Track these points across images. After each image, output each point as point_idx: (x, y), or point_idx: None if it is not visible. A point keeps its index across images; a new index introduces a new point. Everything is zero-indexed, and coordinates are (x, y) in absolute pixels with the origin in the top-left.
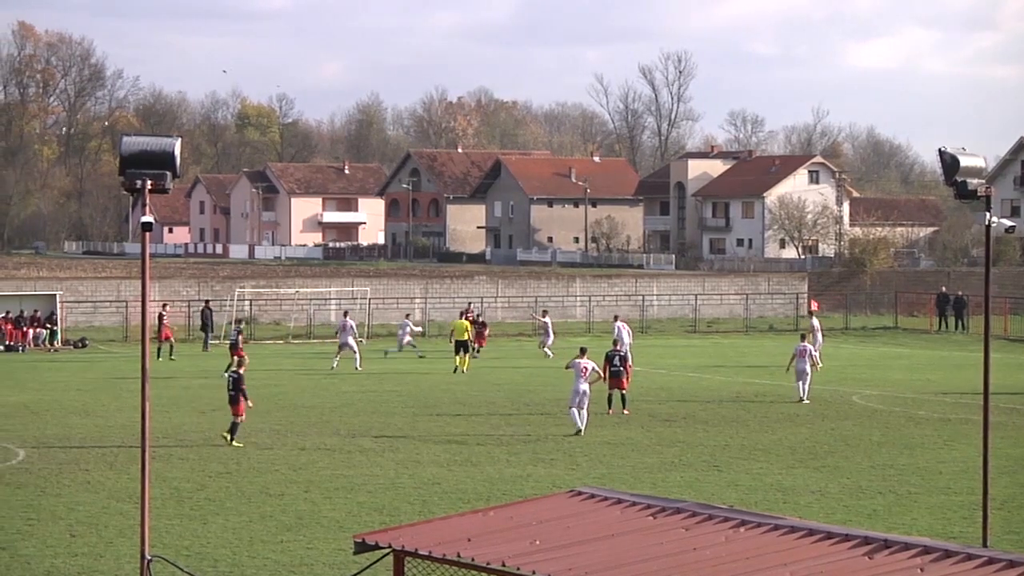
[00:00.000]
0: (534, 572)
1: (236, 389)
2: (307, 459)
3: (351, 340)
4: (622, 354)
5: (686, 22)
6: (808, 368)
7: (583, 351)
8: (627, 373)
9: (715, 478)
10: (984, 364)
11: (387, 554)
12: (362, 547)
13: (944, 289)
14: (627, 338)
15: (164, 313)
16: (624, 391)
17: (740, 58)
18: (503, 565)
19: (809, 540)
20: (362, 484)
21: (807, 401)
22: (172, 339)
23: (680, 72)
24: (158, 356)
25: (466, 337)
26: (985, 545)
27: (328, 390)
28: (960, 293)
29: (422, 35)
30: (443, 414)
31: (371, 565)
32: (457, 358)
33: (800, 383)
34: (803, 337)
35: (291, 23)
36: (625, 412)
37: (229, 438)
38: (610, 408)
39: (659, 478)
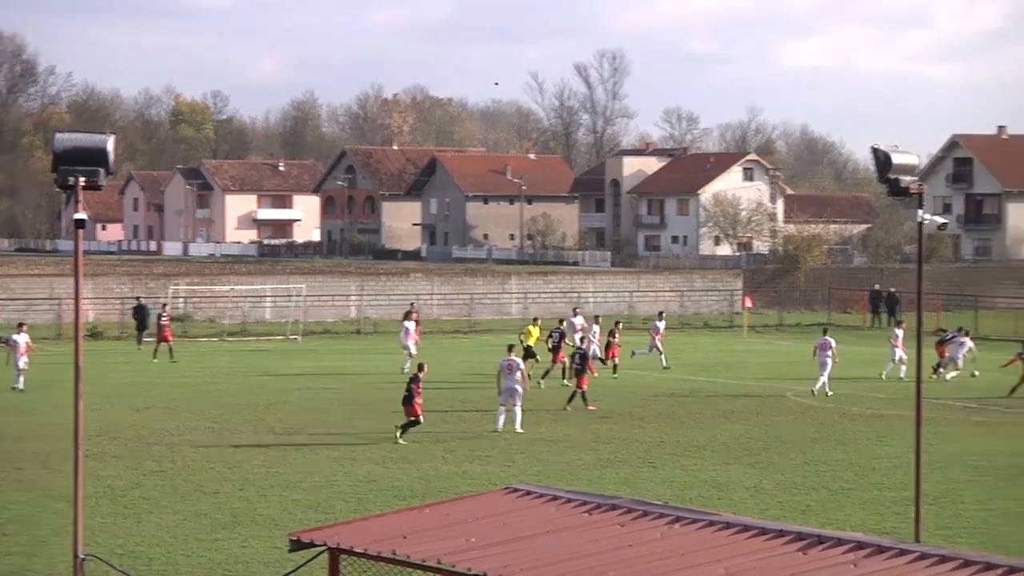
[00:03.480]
0: (469, 569)
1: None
2: (242, 457)
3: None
4: (583, 351)
5: (622, 20)
6: (829, 360)
7: (511, 348)
8: (590, 370)
9: (650, 475)
10: (916, 361)
11: (322, 552)
12: (297, 545)
13: (877, 286)
14: (576, 331)
15: (164, 314)
16: (583, 390)
17: (675, 56)
18: (439, 562)
19: (743, 536)
20: (297, 482)
21: (829, 394)
22: (171, 341)
23: (615, 70)
24: (154, 357)
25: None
26: (917, 540)
27: (264, 388)
28: (893, 290)
29: (358, 32)
30: (379, 411)
31: (306, 563)
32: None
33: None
34: (825, 331)
35: (227, 20)
36: (588, 407)
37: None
38: (569, 404)
39: (595, 475)
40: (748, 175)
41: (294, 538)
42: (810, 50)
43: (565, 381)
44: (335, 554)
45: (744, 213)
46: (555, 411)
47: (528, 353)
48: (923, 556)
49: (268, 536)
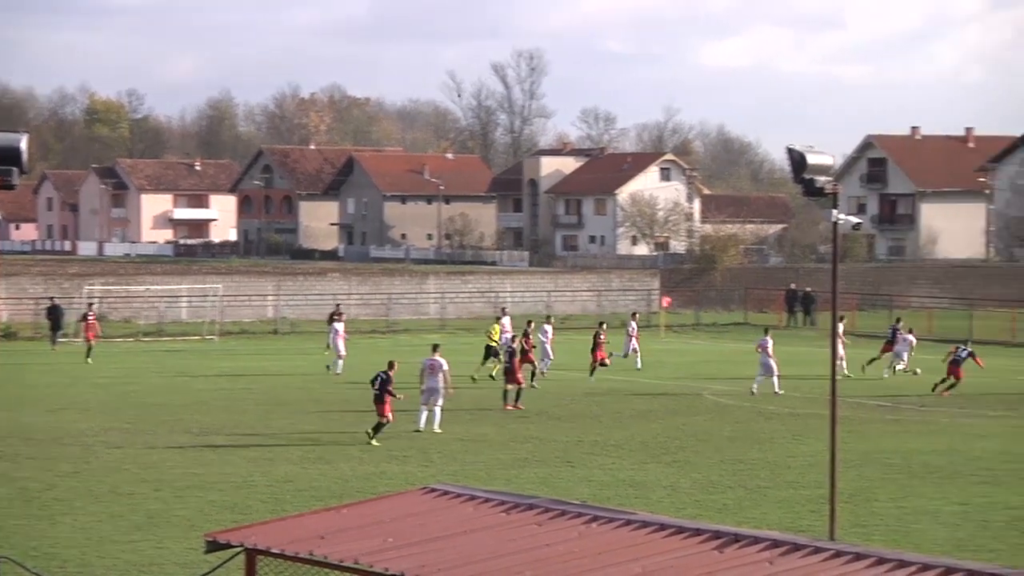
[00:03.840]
0: (387, 569)
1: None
2: (158, 458)
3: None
4: (512, 350)
5: (540, 20)
6: (772, 360)
7: (435, 348)
8: (516, 369)
9: (568, 474)
10: (831, 360)
11: (239, 553)
12: (213, 546)
13: (793, 285)
14: (505, 332)
15: (91, 314)
16: (521, 386)
17: (593, 56)
18: (356, 563)
19: (661, 535)
20: (214, 483)
21: (780, 392)
22: (93, 342)
23: (533, 70)
24: (88, 357)
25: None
26: (832, 538)
27: (180, 388)
28: (808, 289)
29: (275, 31)
30: (297, 412)
31: (223, 564)
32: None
33: (764, 376)
34: (766, 331)
35: (142, 18)
36: (518, 407)
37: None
38: (505, 403)
39: (512, 474)
40: (665, 175)
41: (210, 539)
42: (727, 51)
43: (533, 383)
44: (252, 555)
45: (661, 213)
46: (473, 411)
47: (491, 352)
48: (838, 554)
49: (184, 537)
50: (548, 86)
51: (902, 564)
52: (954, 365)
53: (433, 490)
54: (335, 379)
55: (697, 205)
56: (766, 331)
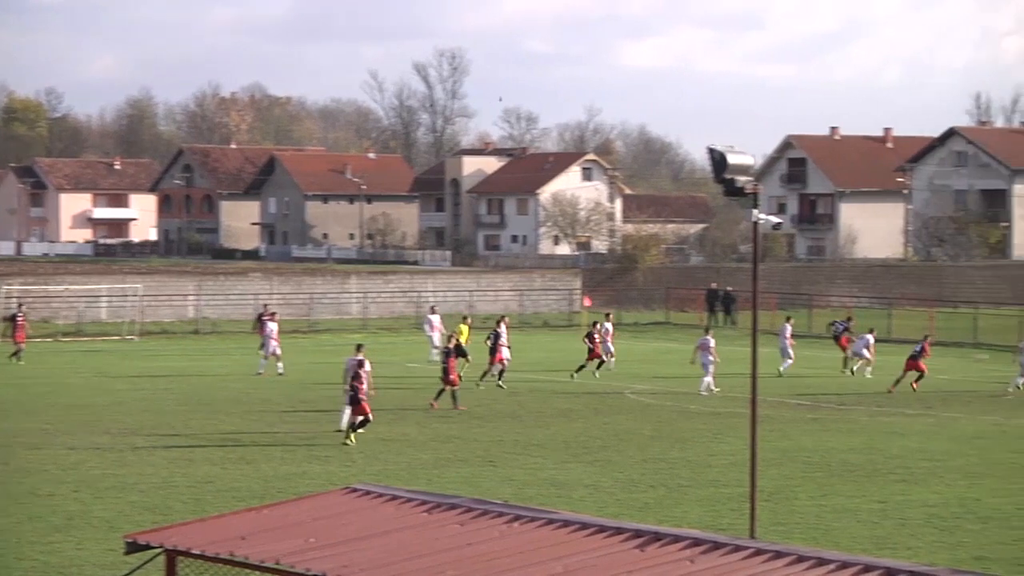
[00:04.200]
0: (308, 569)
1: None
2: (77, 459)
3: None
4: (447, 349)
5: (461, 20)
6: (711, 360)
7: (359, 348)
8: (452, 369)
9: (490, 473)
10: (752, 358)
11: (159, 554)
12: (133, 547)
13: (714, 285)
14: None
15: (20, 314)
16: (456, 387)
17: (515, 56)
18: (277, 563)
19: (582, 534)
20: (134, 483)
21: (715, 391)
22: (23, 344)
23: (455, 69)
24: (18, 359)
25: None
26: (753, 536)
27: (100, 389)
28: (729, 289)
29: (196, 30)
30: (218, 412)
31: (142, 565)
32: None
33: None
34: (707, 330)
35: (61, 15)
36: (458, 408)
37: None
38: (434, 401)
39: (435, 474)
40: (587, 175)
41: (130, 540)
42: (648, 51)
43: (500, 383)
44: (172, 556)
45: (583, 213)
46: (396, 411)
47: (459, 352)
48: (758, 552)
49: (104, 538)
50: (470, 86)
51: (821, 562)
52: (912, 360)
53: (355, 490)
54: (266, 379)
55: (619, 205)
56: (707, 330)
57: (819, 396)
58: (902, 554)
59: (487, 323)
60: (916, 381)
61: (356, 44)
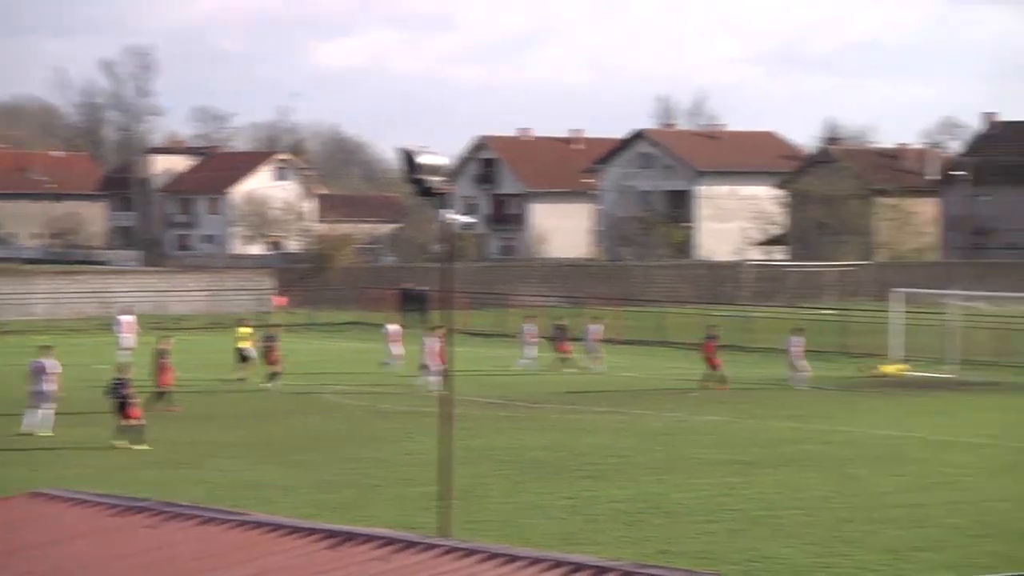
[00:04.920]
0: None
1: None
2: None
3: None
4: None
5: (151, 17)
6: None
7: (45, 349)
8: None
9: (183, 476)
10: (448, 357)
11: None
12: None
13: (407, 285)
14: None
15: None
16: (167, 388)
17: (206, 54)
18: None
19: (275, 535)
20: None
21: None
22: None
23: (144, 67)
24: None
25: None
26: (445, 534)
27: None
28: (422, 288)
29: None
30: None
31: None
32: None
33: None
34: (798, 331)
35: None
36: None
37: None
38: (159, 405)
39: (128, 477)
40: (280, 174)
41: None
42: (341, 51)
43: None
44: None
45: (275, 212)
46: (85, 414)
47: (243, 356)
48: (450, 550)
49: None
50: (160, 84)
51: (512, 559)
52: (708, 360)
53: (40, 495)
54: None
55: (312, 205)
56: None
57: (511, 395)
58: (590, 549)
59: (179, 324)
60: (718, 381)
61: (39, 39)
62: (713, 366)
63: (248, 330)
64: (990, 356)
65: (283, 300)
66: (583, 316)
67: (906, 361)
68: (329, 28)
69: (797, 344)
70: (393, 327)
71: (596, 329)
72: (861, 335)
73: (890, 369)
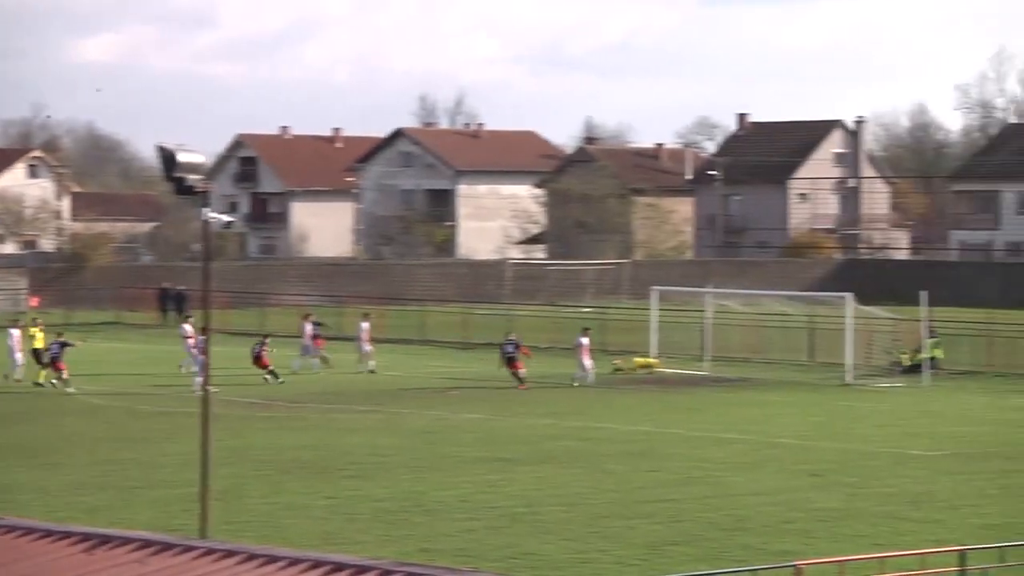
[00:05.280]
0: None
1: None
2: None
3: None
4: None
5: None
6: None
7: None
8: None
9: None
10: (206, 358)
11: None
12: None
13: (166, 284)
14: None
15: None
16: None
17: None
18: None
19: (28, 539)
20: None
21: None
22: None
23: None
24: None
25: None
26: (204, 536)
27: None
28: (182, 288)
29: None
30: None
31: None
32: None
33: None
34: (585, 330)
35: None
36: None
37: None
38: None
39: None
40: (33, 172)
41: None
42: (96, 47)
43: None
44: None
45: (29, 211)
46: None
47: (38, 358)
48: (209, 551)
49: None
50: None
51: (272, 559)
52: (510, 362)
53: None
54: None
55: (67, 203)
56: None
57: (271, 394)
58: (351, 549)
59: None
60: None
61: None
62: (515, 371)
63: (39, 332)
64: (742, 353)
65: (35, 300)
66: (346, 315)
67: (660, 357)
68: (83, 23)
69: (582, 343)
70: (189, 327)
71: (366, 327)
72: (620, 333)
73: (643, 361)
